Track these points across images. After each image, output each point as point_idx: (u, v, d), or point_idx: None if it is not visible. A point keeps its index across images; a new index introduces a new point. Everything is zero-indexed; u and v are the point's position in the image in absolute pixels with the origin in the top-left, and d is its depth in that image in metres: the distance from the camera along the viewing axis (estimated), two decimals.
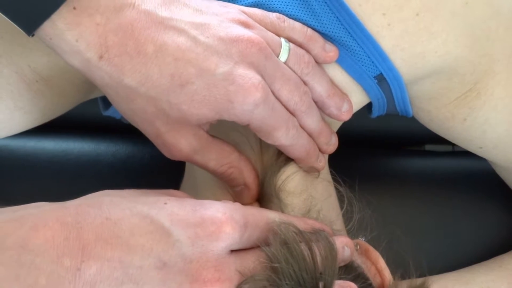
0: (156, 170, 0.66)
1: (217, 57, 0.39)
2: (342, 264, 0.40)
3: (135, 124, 0.43)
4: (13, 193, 0.64)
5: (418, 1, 0.44)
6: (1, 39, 0.45)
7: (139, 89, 0.39)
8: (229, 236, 0.35)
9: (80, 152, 0.67)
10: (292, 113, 0.44)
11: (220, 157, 0.44)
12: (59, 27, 0.37)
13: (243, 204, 0.44)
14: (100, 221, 0.34)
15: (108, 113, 0.54)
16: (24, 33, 0.37)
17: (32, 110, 0.48)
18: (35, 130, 0.65)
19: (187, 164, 0.53)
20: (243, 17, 0.42)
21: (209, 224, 0.35)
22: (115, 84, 0.39)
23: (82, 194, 0.38)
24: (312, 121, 0.45)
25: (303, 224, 0.41)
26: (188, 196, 0.40)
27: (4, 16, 0.36)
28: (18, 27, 0.37)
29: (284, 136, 0.43)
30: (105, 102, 0.54)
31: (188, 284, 0.34)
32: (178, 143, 0.42)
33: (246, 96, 0.40)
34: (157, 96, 0.39)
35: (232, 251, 0.37)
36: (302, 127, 0.45)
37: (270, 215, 0.39)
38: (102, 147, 0.68)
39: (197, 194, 0.48)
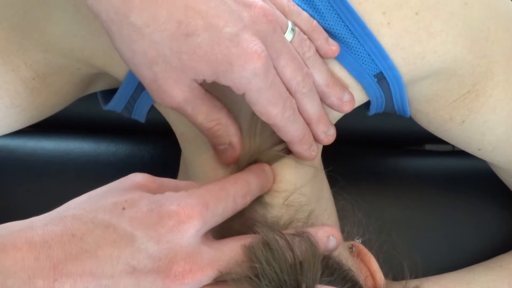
0: (156, 170, 0.66)
1: (228, 16, 0.39)
2: (327, 253, 0.40)
3: (131, 67, 0.42)
4: (13, 193, 0.64)
5: (417, 0, 0.44)
6: None
7: (143, 30, 0.38)
8: (190, 224, 0.36)
9: (80, 152, 0.67)
10: (292, 94, 0.43)
11: (210, 112, 0.43)
12: None
13: (225, 164, 0.45)
14: (67, 239, 0.34)
15: (108, 107, 0.54)
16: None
17: (29, 107, 0.48)
18: (35, 130, 0.65)
19: (181, 157, 0.53)
20: None
21: (167, 220, 0.36)
22: (119, 21, 0.38)
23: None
24: (312, 105, 0.44)
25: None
26: (150, 181, 0.40)
27: None
28: None
29: (280, 115, 0.42)
30: (105, 97, 0.54)
31: (160, 281, 0.35)
32: (172, 90, 0.41)
33: (247, 61, 0.39)
34: (160, 41, 0.39)
35: (208, 245, 0.37)
36: (301, 111, 0.44)
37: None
38: (102, 147, 0.68)
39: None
